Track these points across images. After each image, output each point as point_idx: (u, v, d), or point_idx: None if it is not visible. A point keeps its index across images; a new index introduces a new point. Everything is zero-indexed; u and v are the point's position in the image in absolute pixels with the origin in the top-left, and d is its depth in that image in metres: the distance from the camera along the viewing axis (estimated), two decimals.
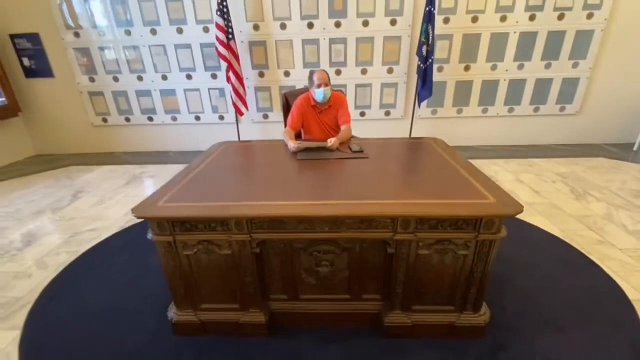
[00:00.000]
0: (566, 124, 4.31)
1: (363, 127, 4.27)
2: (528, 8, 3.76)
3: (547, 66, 4.02)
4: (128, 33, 4.06)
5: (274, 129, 4.36)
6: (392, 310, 1.58)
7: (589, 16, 3.76)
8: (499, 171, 3.64)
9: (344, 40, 3.99)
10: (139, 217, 1.38)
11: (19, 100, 4.33)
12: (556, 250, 2.25)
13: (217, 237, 1.43)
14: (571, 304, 1.80)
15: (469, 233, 1.37)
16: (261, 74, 4.20)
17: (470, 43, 3.96)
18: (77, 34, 4.10)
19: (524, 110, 4.26)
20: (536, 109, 4.25)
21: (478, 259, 1.42)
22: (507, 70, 4.06)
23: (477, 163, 3.83)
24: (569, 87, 4.10)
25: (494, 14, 3.81)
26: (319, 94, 2.15)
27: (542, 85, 4.11)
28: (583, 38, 3.85)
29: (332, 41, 3.99)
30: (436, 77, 4.07)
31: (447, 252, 1.43)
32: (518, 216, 2.46)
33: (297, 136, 2.37)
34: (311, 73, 2.16)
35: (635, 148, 4.14)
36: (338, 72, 4.15)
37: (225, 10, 3.60)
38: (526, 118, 4.31)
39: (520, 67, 4.04)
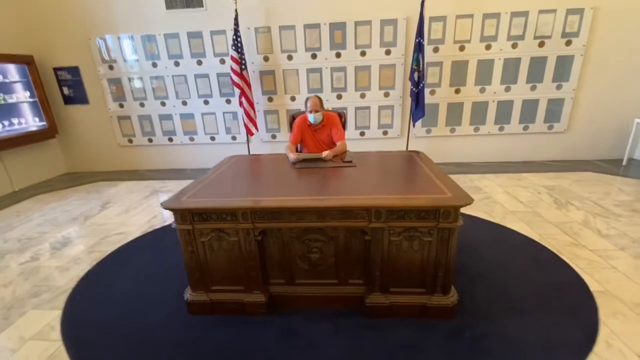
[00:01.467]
0: (555, 141, 4.57)
1: (363, 146, 4.66)
2: (510, 37, 4.16)
3: (533, 88, 4.36)
4: (154, 65, 4.64)
5: (281, 147, 4.76)
6: (372, 292, 1.85)
7: (568, 43, 4.12)
8: (489, 185, 3.90)
9: (344, 69, 4.45)
10: (166, 208, 1.73)
11: (57, 124, 4.91)
12: (530, 251, 2.49)
13: (226, 226, 1.77)
14: (536, 293, 2.03)
15: (430, 222, 1.66)
16: (270, 99, 4.68)
17: (459, 69, 4.35)
18: (110, 67, 4.71)
19: (513, 129, 4.56)
20: (525, 128, 4.54)
21: (441, 245, 1.70)
22: (495, 93, 4.42)
23: (469, 177, 4.13)
24: (555, 107, 4.41)
25: (479, 43, 4.22)
26: (311, 117, 2.55)
27: (530, 106, 4.43)
28: (564, 63, 4.20)
29: (334, 70, 4.46)
30: (429, 99, 4.45)
31: (415, 239, 1.72)
32: (500, 222, 2.77)
33: (298, 151, 2.75)
34: (306, 100, 2.56)
35: (624, 163, 4.34)
36: (339, 97, 4.58)
37: (239, 44, 4.13)
38: (516, 136, 4.59)
39: (508, 89, 4.39)
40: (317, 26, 4.29)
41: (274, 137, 4.87)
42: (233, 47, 4.11)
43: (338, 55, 4.39)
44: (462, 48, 4.27)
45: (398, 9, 4.16)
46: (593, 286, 2.07)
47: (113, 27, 4.51)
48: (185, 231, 1.79)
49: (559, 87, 4.33)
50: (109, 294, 2.21)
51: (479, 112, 4.52)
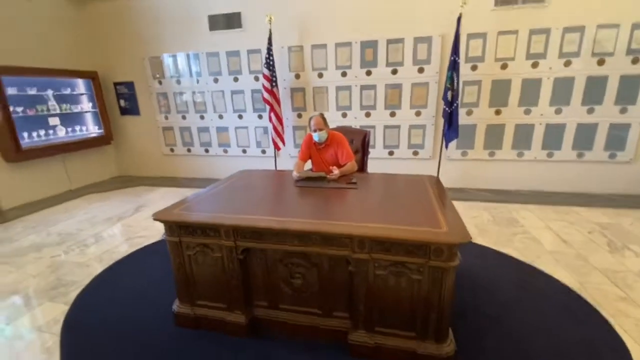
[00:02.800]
0: (617, 172, 3.93)
1: (392, 166, 4.48)
2: (562, 55, 3.73)
3: (590, 111, 3.83)
4: (197, 81, 4.99)
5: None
6: (356, 330, 1.69)
7: (635, 61, 3.58)
8: (529, 217, 3.46)
9: (374, 87, 4.35)
10: (156, 220, 1.79)
11: (113, 132, 5.48)
12: (563, 300, 2.11)
13: (210, 242, 1.76)
14: (561, 352, 1.69)
15: (420, 259, 1.48)
16: (299, 115, 4.74)
17: (501, 88, 4.00)
18: (160, 82, 5.17)
19: (565, 156, 4.03)
20: (580, 155, 3.99)
21: (432, 285, 1.51)
22: (542, 115, 3.97)
23: (507, 207, 3.72)
24: (619, 132, 3.82)
25: (525, 61, 3.85)
26: (315, 136, 2.51)
27: (586, 131, 3.90)
28: (630, 83, 3.64)
29: (363, 87, 4.39)
30: (466, 120, 4.15)
31: (402, 275, 1.54)
32: (532, 262, 2.41)
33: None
34: (310, 118, 2.52)
35: None
36: (368, 115, 4.48)
37: (271, 63, 4.27)
38: (568, 164, 4.05)
39: (558, 111, 3.92)
40: (348, 45, 4.28)
41: None
42: (265, 65, 4.26)
43: (368, 73, 4.32)
44: (504, 66, 3.93)
45: (433, 27, 3.98)
46: (637, 354, 1.67)
47: (164, 46, 4.96)
48: (173, 243, 1.83)
49: (623, 111, 3.75)
50: (112, 294, 2.32)
51: (523, 135, 4.09)
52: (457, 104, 3.82)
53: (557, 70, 3.79)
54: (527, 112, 4.01)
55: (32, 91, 4.31)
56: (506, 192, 4.20)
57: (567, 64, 3.75)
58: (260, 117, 4.90)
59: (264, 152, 5.06)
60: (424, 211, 1.74)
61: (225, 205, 2.00)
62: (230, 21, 4.58)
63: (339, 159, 2.56)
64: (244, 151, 5.16)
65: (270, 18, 4.15)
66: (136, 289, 2.38)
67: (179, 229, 1.78)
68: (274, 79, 4.31)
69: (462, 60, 3.90)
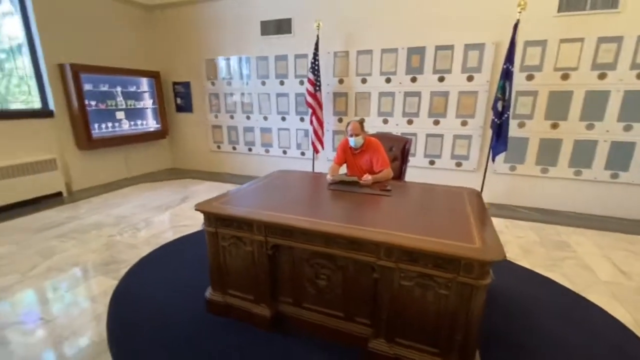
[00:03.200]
0: None
1: (432, 176, 4.34)
2: (635, 66, 3.36)
3: None
4: (246, 84, 5.26)
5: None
6: (377, 338, 1.67)
7: None
8: (583, 242, 3.14)
9: (418, 94, 4.26)
10: (197, 210, 1.92)
11: (169, 127, 5.96)
12: (615, 338, 1.89)
13: (243, 235, 1.86)
14: None
15: (449, 273, 1.43)
16: (340, 120, 4.78)
17: (559, 100, 3.70)
18: (213, 83, 5.53)
19: (633, 178, 3.60)
20: None
21: (460, 302, 1.45)
22: (608, 131, 3.59)
23: (557, 229, 3.43)
24: None
25: (590, 72, 3.52)
26: (351, 141, 2.52)
27: None
28: None
29: (407, 94, 4.31)
30: (517, 132, 3.90)
31: (429, 289, 1.50)
32: (581, 292, 2.22)
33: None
34: (348, 124, 2.54)
35: None
36: (410, 122, 4.39)
37: (317, 67, 4.36)
38: (636, 187, 3.61)
39: (628, 128, 3.52)
40: (394, 51, 4.24)
41: None
42: (310, 70, 4.37)
43: (413, 79, 4.24)
44: (565, 76, 3.63)
45: (486, 33, 3.80)
46: None
47: (219, 50, 5.30)
48: (211, 233, 1.95)
49: None
50: (155, 275, 2.53)
51: (583, 152, 3.73)
52: (508, 115, 3.60)
53: (629, 82, 3.41)
54: (590, 127, 3.65)
55: (104, 87, 4.85)
56: (558, 213, 3.86)
57: None
58: (302, 119, 5.02)
59: (303, 154, 5.18)
60: (458, 225, 1.67)
61: (260, 201, 2.09)
62: (281, 27, 4.77)
63: (373, 165, 2.54)
64: (285, 152, 5.32)
65: (319, 24, 4.25)
66: (176, 272, 2.57)
67: (216, 220, 1.90)
68: (318, 83, 4.40)
69: (516, 69, 3.68)
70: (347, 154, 2.66)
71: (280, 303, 1.95)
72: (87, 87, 4.54)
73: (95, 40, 4.79)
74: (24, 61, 4.18)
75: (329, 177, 2.41)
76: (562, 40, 3.56)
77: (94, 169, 4.92)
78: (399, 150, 2.96)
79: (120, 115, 5.16)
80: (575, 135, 3.73)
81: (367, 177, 2.36)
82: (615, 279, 2.51)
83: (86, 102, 4.50)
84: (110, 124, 5.01)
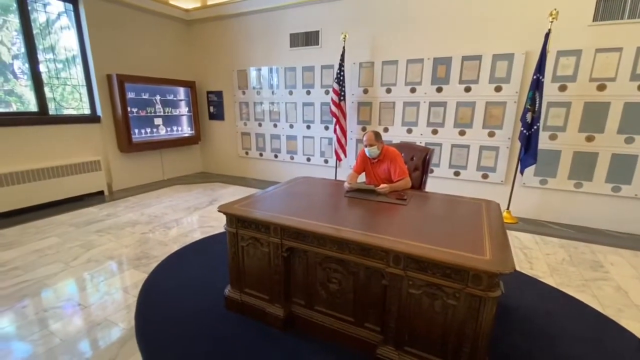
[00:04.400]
0: None
1: (457, 187, 4.26)
2: None
3: None
4: (274, 93, 5.47)
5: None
6: (386, 345, 1.69)
7: None
8: (618, 263, 2.94)
9: (444, 104, 4.22)
10: (220, 211, 2.06)
11: (202, 133, 6.30)
12: None
13: (261, 237, 1.96)
14: None
15: (457, 284, 1.44)
16: (364, 129, 4.83)
17: (595, 112, 3.52)
18: (243, 92, 5.80)
19: None
20: None
21: (469, 313, 1.44)
22: None
23: (591, 248, 3.24)
24: None
25: (629, 82, 3.34)
26: (367, 151, 2.57)
27: None
28: None
29: (432, 104, 4.29)
30: (548, 145, 3.75)
31: (437, 298, 1.51)
32: (611, 315, 2.11)
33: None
34: (364, 134, 2.59)
35: None
36: (435, 132, 4.35)
37: (342, 78, 4.47)
38: None
39: None
40: (420, 61, 4.25)
41: None
42: (335, 80, 4.48)
43: (439, 89, 4.21)
44: (601, 87, 3.46)
45: (516, 43, 3.72)
46: None
47: (250, 61, 5.57)
48: (232, 233, 2.07)
49: None
50: (181, 272, 2.70)
51: (621, 167, 3.51)
52: (538, 127, 3.49)
53: None
54: (630, 140, 3.44)
55: (145, 96, 5.25)
56: (593, 231, 3.63)
57: None
58: (326, 128, 5.13)
59: (326, 161, 5.27)
60: (470, 236, 1.66)
61: (279, 205, 2.19)
62: (309, 39, 4.94)
63: (391, 174, 2.57)
64: (309, 159, 5.44)
65: (345, 36, 4.37)
66: (200, 269, 2.73)
67: (237, 221, 2.02)
68: (343, 93, 4.50)
69: (547, 79, 3.57)
70: (365, 163, 2.71)
71: (293, 304, 2.02)
72: (130, 95, 4.94)
73: (139, 53, 5.22)
74: (77, 71, 4.64)
75: (346, 184, 2.47)
76: (598, 50, 3.41)
77: (132, 171, 5.31)
78: (420, 160, 2.96)
79: (158, 121, 5.54)
80: (613, 148, 3.52)
81: (384, 186, 2.39)
82: None
83: (129, 109, 4.89)
84: (148, 130, 5.40)
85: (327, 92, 4.96)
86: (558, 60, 3.59)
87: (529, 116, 3.52)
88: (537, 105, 3.45)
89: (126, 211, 4.19)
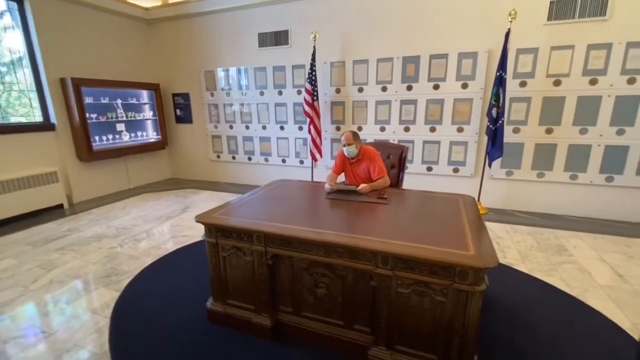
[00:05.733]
0: None
1: (430, 182, 4.38)
2: (625, 71, 3.43)
3: None
4: (244, 94, 5.34)
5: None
6: (377, 345, 1.69)
7: None
8: (580, 246, 3.17)
9: (414, 102, 4.33)
10: (198, 221, 1.96)
11: (168, 138, 6.02)
12: (613, 343, 1.91)
13: (243, 246, 1.89)
14: None
15: (444, 280, 1.46)
16: (338, 128, 4.84)
17: (553, 106, 3.76)
18: (212, 94, 5.60)
19: (628, 181, 3.65)
20: None
21: (456, 308, 1.47)
22: (601, 135, 3.65)
23: (555, 233, 3.46)
24: None
25: (581, 77, 3.60)
26: (345, 151, 2.58)
27: None
28: None
29: (403, 102, 4.38)
30: (512, 138, 3.96)
31: (425, 296, 1.53)
32: (579, 296, 2.24)
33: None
34: (342, 134, 2.59)
35: None
36: (407, 129, 4.45)
37: (313, 77, 4.44)
38: (631, 190, 3.65)
39: (620, 132, 3.58)
40: (390, 60, 4.32)
41: None
42: (308, 80, 4.44)
43: (409, 88, 4.31)
44: (557, 82, 3.70)
45: (480, 42, 3.89)
46: None
47: (218, 61, 5.39)
48: (211, 244, 1.98)
49: None
50: (156, 287, 2.55)
51: (577, 156, 3.78)
52: (502, 121, 3.67)
53: (620, 87, 3.48)
54: (583, 131, 3.71)
55: (105, 100, 4.92)
56: (555, 217, 3.89)
57: (632, 81, 3.43)
58: (300, 128, 5.08)
59: (302, 162, 5.23)
60: (453, 232, 1.71)
61: (260, 212, 2.12)
62: (279, 38, 4.86)
63: (370, 173, 2.59)
64: (284, 161, 5.37)
65: (315, 35, 4.34)
66: (177, 283, 2.59)
67: (216, 231, 1.94)
68: (315, 93, 4.47)
69: (509, 76, 3.76)
70: (344, 163, 2.71)
71: (280, 312, 1.97)
72: (87, 100, 4.60)
73: (96, 54, 4.87)
74: (25, 74, 4.24)
75: (327, 186, 2.45)
76: (553, 48, 3.64)
77: (94, 181, 4.96)
78: (396, 158, 3.00)
79: (120, 127, 5.22)
80: (570, 139, 3.79)
81: (364, 186, 2.40)
82: (612, 283, 2.54)
83: (87, 115, 4.56)
84: (110, 136, 5.07)
85: (299, 92, 4.92)
86: (518, 58, 3.79)
87: (494, 111, 3.69)
88: (501, 100, 3.63)
89: (90, 225, 3.90)
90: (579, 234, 3.44)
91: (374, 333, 1.72)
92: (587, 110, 3.65)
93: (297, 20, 4.69)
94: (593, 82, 3.57)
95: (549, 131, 3.85)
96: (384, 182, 2.55)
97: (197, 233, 3.57)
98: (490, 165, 3.96)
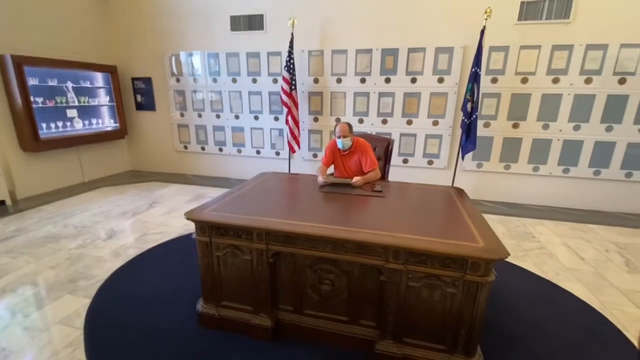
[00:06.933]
0: (634, 191, 3.92)
1: (406, 174, 4.48)
2: (583, 72, 3.74)
3: (609, 129, 3.83)
4: (215, 80, 5.02)
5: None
6: (384, 339, 1.69)
7: None
8: (545, 232, 3.45)
9: (392, 94, 4.37)
10: (188, 219, 1.79)
11: (128, 126, 5.50)
12: (586, 320, 2.10)
13: (241, 244, 1.76)
14: None
15: (456, 272, 1.48)
16: (315, 119, 4.75)
17: (520, 102, 4.01)
18: (178, 80, 5.20)
19: (581, 172, 4.02)
20: (597, 172, 3.98)
21: (466, 299, 1.50)
22: (561, 131, 3.97)
23: (522, 221, 3.71)
24: (637, 152, 3.81)
25: (545, 76, 3.86)
26: (339, 143, 2.53)
27: (603, 149, 3.89)
28: None
29: (381, 95, 4.40)
30: (483, 132, 4.15)
31: (436, 289, 1.54)
32: (552, 279, 2.40)
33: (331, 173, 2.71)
34: (336, 125, 2.53)
35: None
36: (384, 122, 4.49)
37: (291, 66, 4.28)
38: (584, 181, 4.04)
39: (577, 128, 3.92)
40: (369, 51, 4.30)
41: (315, 156, 4.91)
42: (285, 68, 4.28)
43: (387, 80, 4.33)
44: (524, 80, 3.94)
45: (456, 38, 4.00)
46: None
47: (184, 44, 4.99)
48: (204, 243, 1.83)
49: None
50: (133, 290, 2.32)
51: (539, 150, 4.09)
52: (476, 116, 3.83)
53: (578, 87, 3.80)
54: (546, 127, 4.01)
55: (53, 82, 4.34)
56: (521, 206, 4.20)
57: (588, 81, 3.76)
58: (276, 119, 4.91)
59: (277, 153, 5.08)
60: (456, 224, 1.74)
61: (255, 207, 2.00)
62: (253, 23, 4.61)
63: (362, 166, 2.56)
64: (258, 152, 5.18)
65: (293, 21, 4.17)
66: (156, 285, 2.38)
67: (210, 229, 1.79)
68: (294, 82, 4.33)
69: (482, 72, 3.92)
70: (335, 155, 2.65)
71: (280, 311, 1.89)
72: (32, 82, 4.02)
73: (42, 29, 4.26)
74: None
75: (320, 179, 2.38)
76: (522, 47, 3.86)
77: (43, 174, 4.40)
78: (383, 151, 3.01)
79: (72, 113, 4.66)
80: (533, 134, 4.07)
81: (358, 179, 2.37)
82: (577, 265, 2.79)
83: (32, 98, 3.99)
84: (60, 124, 4.50)
85: (275, 81, 4.73)
86: (490, 55, 3.97)
87: (469, 106, 3.83)
88: (475, 96, 3.78)
89: (42, 223, 3.45)
90: (542, 222, 3.74)
91: (380, 327, 1.71)
92: (549, 107, 3.94)
93: (272, 4, 4.48)
94: (555, 80, 3.85)
95: (515, 126, 4.11)
96: (375, 174, 2.54)
97: (169, 230, 3.32)
98: (463, 158, 4.14)
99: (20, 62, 3.82)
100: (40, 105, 4.18)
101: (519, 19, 3.79)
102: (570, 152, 4.01)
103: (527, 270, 2.70)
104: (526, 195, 4.27)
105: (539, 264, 2.81)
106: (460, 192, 2.34)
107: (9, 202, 3.93)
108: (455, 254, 1.44)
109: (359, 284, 1.71)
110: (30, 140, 4.05)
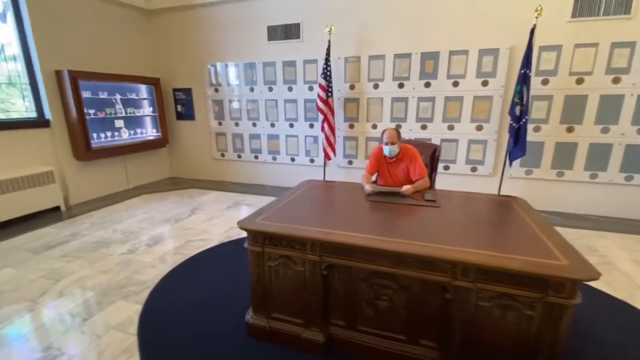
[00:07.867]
0: None
1: (446, 181, 4.28)
2: None
3: None
4: (252, 90, 5.11)
5: (356, 174, 4.66)
6: None
7: None
8: (609, 246, 3.14)
9: (432, 99, 4.22)
10: (242, 228, 1.77)
11: (169, 135, 5.72)
12: None
13: (294, 254, 1.72)
14: None
15: (535, 293, 1.34)
16: (351, 126, 4.69)
17: (574, 104, 3.73)
18: (216, 90, 5.35)
19: None
20: None
21: (547, 323, 1.36)
22: (623, 134, 3.63)
23: (580, 233, 3.42)
24: None
25: (604, 76, 3.57)
26: (386, 150, 2.43)
27: None
28: None
29: (421, 99, 4.27)
30: (533, 137, 3.90)
31: (510, 309, 1.40)
32: (627, 299, 2.16)
33: (374, 181, 2.63)
34: (383, 131, 2.45)
35: None
36: (424, 127, 4.34)
37: (328, 73, 4.26)
38: None
39: None
40: (407, 56, 4.19)
41: (350, 163, 4.84)
42: (322, 76, 4.26)
43: (427, 84, 4.20)
44: (580, 80, 3.66)
45: (501, 39, 3.80)
46: None
47: (223, 55, 5.14)
48: (255, 253, 1.80)
49: None
50: (182, 297, 2.35)
51: (598, 155, 3.76)
52: (526, 120, 3.59)
53: None
54: (605, 130, 3.69)
55: (103, 95, 4.60)
56: (576, 217, 3.87)
57: None
58: (311, 126, 4.90)
59: (312, 160, 5.05)
60: (527, 239, 1.59)
61: (304, 217, 1.96)
62: (289, 32, 4.66)
63: (410, 174, 2.45)
64: (293, 159, 5.18)
65: (331, 29, 4.17)
66: (203, 293, 2.39)
67: (263, 239, 1.76)
68: (330, 89, 4.30)
69: (532, 73, 3.69)
70: (380, 162, 2.56)
71: (332, 326, 1.81)
72: (85, 95, 4.28)
73: (94, 46, 4.55)
74: (18, 67, 3.90)
75: (367, 187, 2.30)
76: (577, 45, 3.60)
77: (92, 181, 4.65)
78: (429, 157, 2.87)
79: (119, 123, 4.91)
80: (591, 138, 3.76)
81: (408, 187, 2.26)
82: None
83: (85, 110, 4.24)
84: (109, 133, 4.76)
85: (310, 89, 4.73)
86: (540, 55, 3.73)
87: (517, 109, 3.61)
88: (525, 98, 3.55)
89: (93, 229, 3.62)
90: (604, 234, 3.42)
91: (442, 348, 1.59)
92: (610, 109, 3.63)
93: (309, 13, 4.50)
94: (616, 80, 3.55)
95: (570, 130, 3.82)
96: (424, 182, 2.42)
97: (212, 237, 3.36)
98: (511, 164, 3.89)
99: (75, 77, 4.08)
100: (92, 116, 4.43)
101: (573, 15, 3.54)
102: (634, 158, 3.65)
103: (596, 288, 2.44)
104: (582, 204, 3.94)
105: (608, 282, 2.54)
106: (522, 202, 2.16)
107: (63, 208, 4.18)
108: (536, 274, 1.30)
109: (419, 301, 1.60)
110: (83, 149, 4.30)
